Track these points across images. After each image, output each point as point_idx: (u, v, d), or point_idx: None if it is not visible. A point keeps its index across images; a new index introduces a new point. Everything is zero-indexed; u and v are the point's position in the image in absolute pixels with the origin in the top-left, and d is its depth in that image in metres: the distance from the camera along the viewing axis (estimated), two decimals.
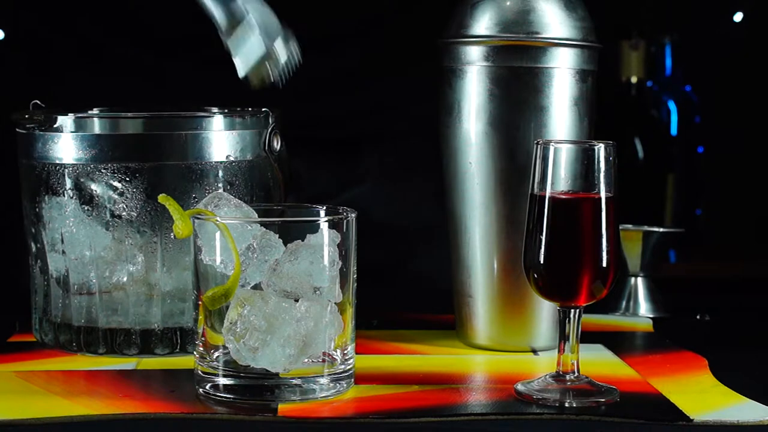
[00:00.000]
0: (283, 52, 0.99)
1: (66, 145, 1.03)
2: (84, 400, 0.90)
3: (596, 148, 0.91)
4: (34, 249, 1.08)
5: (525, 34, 1.04)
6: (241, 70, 1.00)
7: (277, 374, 0.89)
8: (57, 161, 1.04)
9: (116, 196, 1.03)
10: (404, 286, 1.40)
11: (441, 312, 1.18)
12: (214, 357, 0.91)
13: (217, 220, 0.90)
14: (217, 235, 0.89)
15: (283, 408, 0.88)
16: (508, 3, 1.05)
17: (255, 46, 0.99)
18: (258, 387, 0.90)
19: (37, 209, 1.06)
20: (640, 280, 1.27)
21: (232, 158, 1.05)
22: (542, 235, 0.92)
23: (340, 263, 0.91)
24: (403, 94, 1.29)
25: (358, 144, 1.40)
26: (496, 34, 1.05)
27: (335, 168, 1.39)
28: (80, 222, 1.04)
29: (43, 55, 1.41)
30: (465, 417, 0.88)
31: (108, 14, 1.40)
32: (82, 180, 1.03)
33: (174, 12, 1.36)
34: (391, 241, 1.39)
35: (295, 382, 0.90)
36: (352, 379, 0.94)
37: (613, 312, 1.26)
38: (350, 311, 0.92)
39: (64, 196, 1.04)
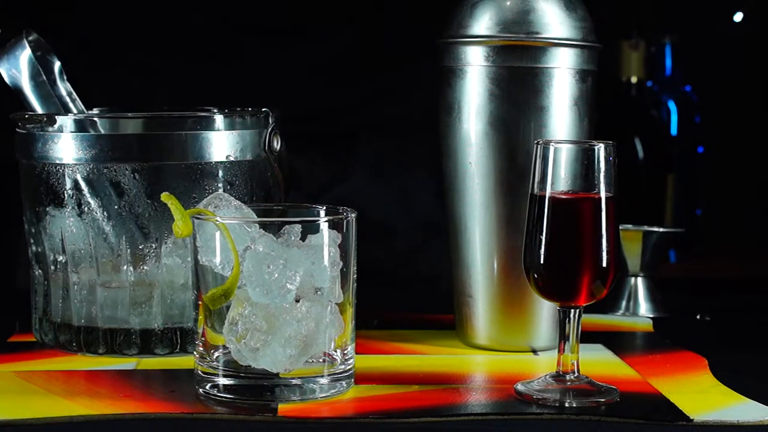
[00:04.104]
0: None
1: (66, 145, 1.03)
2: (84, 400, 0.90)
3: (596, 148, 0.91)
4: (33, 249, 1.08)
5: (525, 34, 1.04)
6: None
7: (277, 374, 0.89)
8: (57, 161, 1.04)
9: (116, 196, 1.03)
10: (403, 286, 1.39)
11: (441, 312, 1.18)
12: (214, 357, 0.91)
13: (217, 221, 0.90)
14: (217, 235, 0.89)
15: (283, 408, 0.88)
16: (508, 3, 1.05)
17: None
18: (258, 387, 0.90)
19: (37, 209, 1.06)
20: (640, 280, 1.27)
21: (232, 158, 1.05)
22: (542, 235, 0.92)
23: (341, 263, 0.90)
24: (401, 87, 1.29)
25: (353, 138, 1.39)
26: (496, 34, 1.05)
27: (331, 162, 1.38)
28: (80, 222, 1.03)
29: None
30: (465, 417, 0.88)
31: (107, 14, 1.40)
32: (82, 180, 1.03)
33: (174, 12, 1.36)
34: (390, 239, 1.38)
35: (295, 382, 0.90)
36: (352, 379, 0.94)
37: (613, 312, 1.26)
38: (350, 311, 0.92)
39: (64, 196, 1.04)
